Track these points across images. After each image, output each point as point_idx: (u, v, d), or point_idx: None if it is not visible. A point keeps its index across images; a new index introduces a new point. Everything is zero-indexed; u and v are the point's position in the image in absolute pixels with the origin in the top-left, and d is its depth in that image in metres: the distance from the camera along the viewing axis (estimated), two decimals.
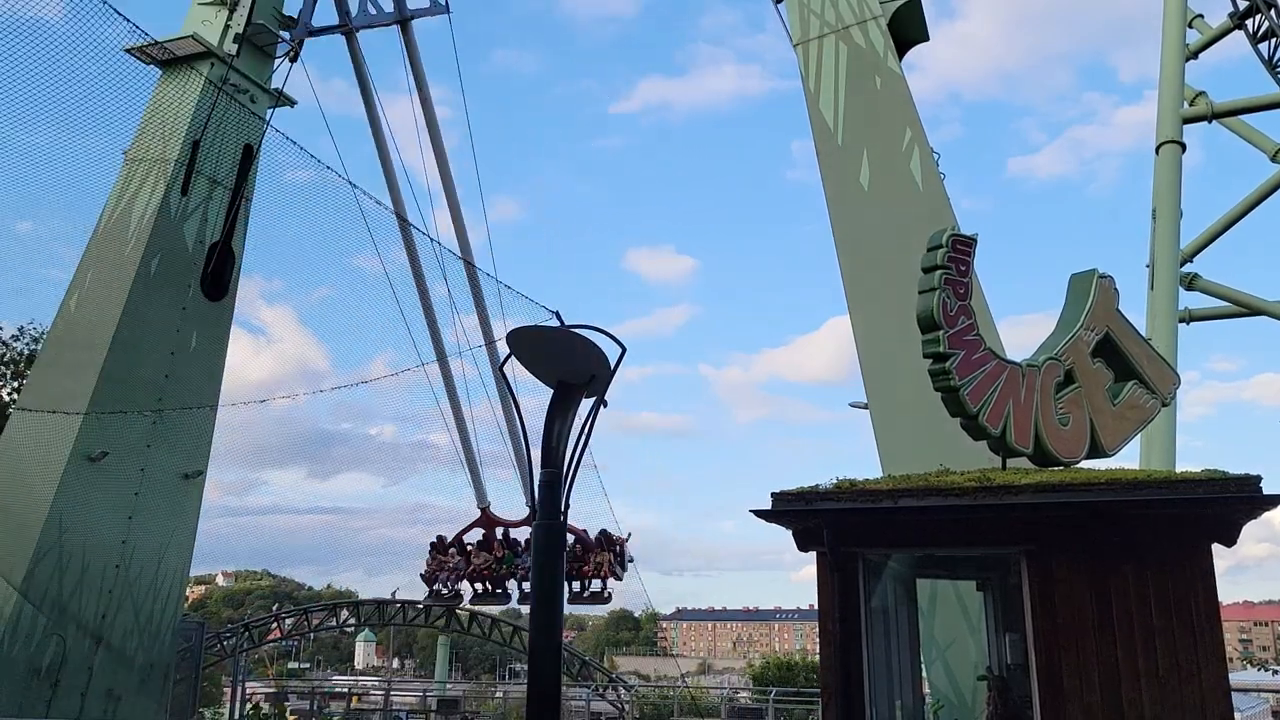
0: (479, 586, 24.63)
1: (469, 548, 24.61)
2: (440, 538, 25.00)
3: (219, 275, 21.28)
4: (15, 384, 26.83)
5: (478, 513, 25.13)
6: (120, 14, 12.15)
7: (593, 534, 23.31)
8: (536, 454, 7.99)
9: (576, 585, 22.99)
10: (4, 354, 27.95)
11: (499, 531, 24.75)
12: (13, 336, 27.92)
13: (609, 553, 23.10)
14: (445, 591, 24.84)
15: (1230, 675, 7.94)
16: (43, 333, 25.27)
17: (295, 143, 16.83)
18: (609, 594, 23.46)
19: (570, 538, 22.47)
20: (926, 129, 17.39)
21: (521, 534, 24.47)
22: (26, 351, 27.51)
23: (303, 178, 20.86)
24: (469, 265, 22.78)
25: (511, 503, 25.20)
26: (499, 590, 24.47)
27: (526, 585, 23.43)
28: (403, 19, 24.90)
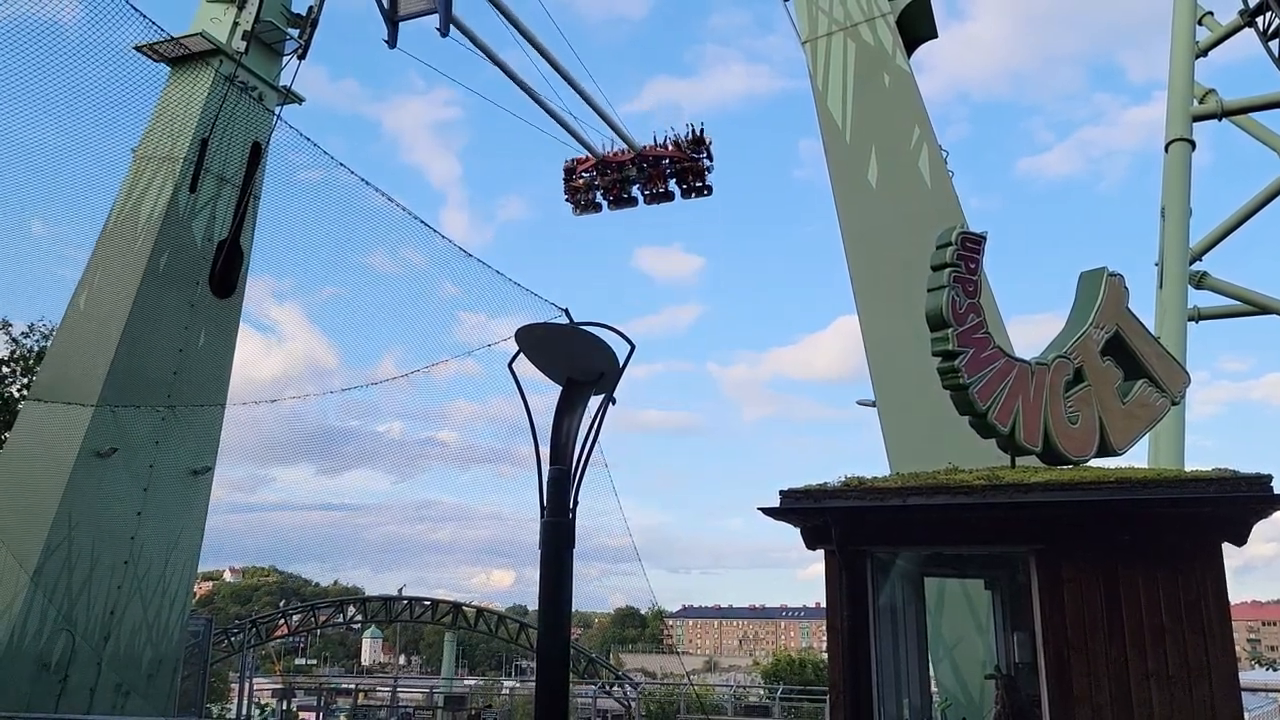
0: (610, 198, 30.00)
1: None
2: (568, 165, 29.98)
3: (227, 273, 21.33)
4: (25, 380, 26.95)
5: None
6: (137, 9, 12.17)
7: (601, 535, 23.54)
8: (545, 452, 7.99)
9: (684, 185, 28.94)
10: (14, 351, 28.08)
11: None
12: (23, 333, 28.07)
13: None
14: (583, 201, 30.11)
15: (1239, 675, 7.92)
16: (52, 329, 25.37)
17: (308, 138, 16.86)
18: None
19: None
20: (935, 129, 17.34)
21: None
22: (36, 348, 27.63)
23: (313, 175, 20.90)
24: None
25: (524, 500, 25.36)
26: (625, 196, 29.81)
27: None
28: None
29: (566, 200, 30.83)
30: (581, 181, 30.23)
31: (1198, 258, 24.26)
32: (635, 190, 29.94)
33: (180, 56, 20.75)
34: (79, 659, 18.27)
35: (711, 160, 28.93)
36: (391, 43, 21.15)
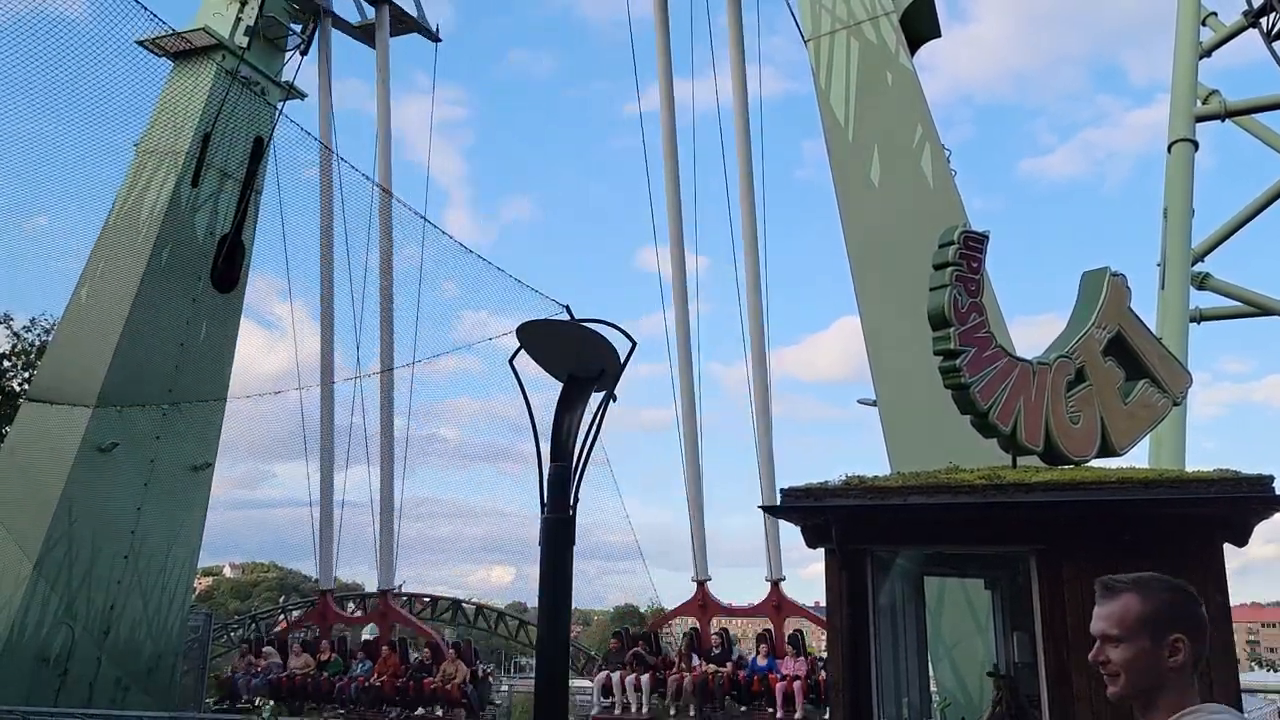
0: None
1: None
2: (624, 630, 21.16)
3: (229, 267, 21.34)
4: (26, 374, 26.98)
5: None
6: (142, 4, 12.19)
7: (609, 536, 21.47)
8: (546, 449, 7.98)
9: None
10: (16, 345, 28.11)
11: (716, 625, 20.13)
12: (24, 327, 28.10)
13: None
14: (627, 702, 18.00)
15: (1239, 676, 7.91)
16: (54, 324, 25.39)
17: (311, 134, 16.86)
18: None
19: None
20: (938, 130, 17.32)
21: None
22: (38, 342, 27.66)
23: (314, 171, 20.90)
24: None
25: (524, 497, 25.37)
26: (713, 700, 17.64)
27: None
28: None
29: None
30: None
31: (1200, 259, 24.22)
32: None
33: (183, 51, 20.74)
34: (79, 653, 18.29)
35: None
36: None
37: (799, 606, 19.69)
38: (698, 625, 20.01)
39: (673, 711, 17.71)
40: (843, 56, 17.89)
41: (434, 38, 25.52)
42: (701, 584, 20.74)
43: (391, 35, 24.40)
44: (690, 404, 21.41)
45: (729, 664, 17.89)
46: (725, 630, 19.89)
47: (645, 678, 17.89)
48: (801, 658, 17.56)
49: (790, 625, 19.12)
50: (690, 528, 20.90)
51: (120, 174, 20.67)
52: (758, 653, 18.15)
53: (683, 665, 18.03)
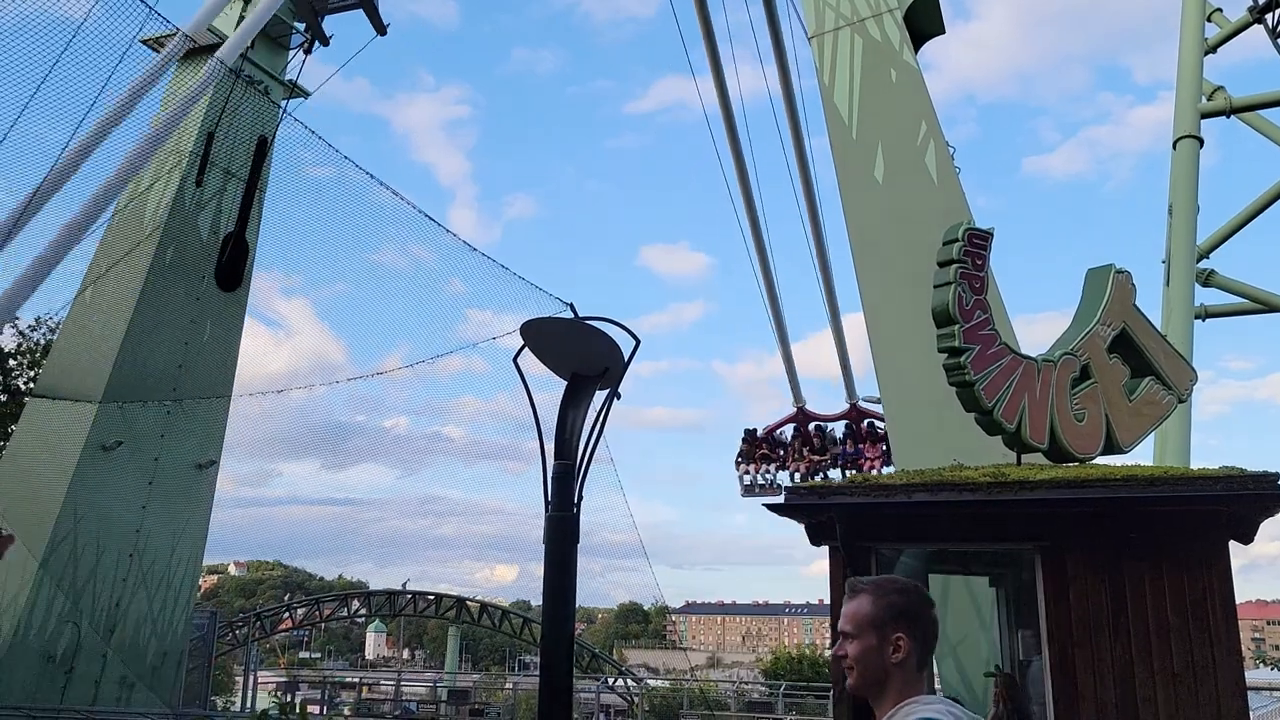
0: (796, 477, 25.38)
1: (782, 437, 26.50)
2: (751, 431, 26.61)
3: (233, 266, 21.35)
4: (31, 373, 27.02)
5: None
6: (145, 3, 12.17)
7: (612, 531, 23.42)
8: (550, 447, 7.98)
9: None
10: (20, 344, 28.15)
11: (812, 426, 26.35)
12: (29, 326, 28.14)
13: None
14: (762, 483, 26.00)
15: (1244, 674, 7.89)
16: (58, 323, 25.44)
17: (314, 132, 16.84)
18: None
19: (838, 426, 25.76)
20: (942, 128, 17.29)
21: (837, 426, 26.37)
22: (43, 341, 27.70)
23: (320, 170, 20.88)
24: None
25: (528, 496, 25.51)
26: (819, 475, 25.04)
27: (843, 473, 24.74)
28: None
29: (739, 468, 26.30)
30: (765, 447, 26.12)
31: (1205, 255, 24.17)
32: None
33: (187, 50, 20.74)
34: (84, 651, 18.33)
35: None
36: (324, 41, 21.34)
37: (873, 411, 24.54)
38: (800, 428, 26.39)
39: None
40: (846, 53, 17.86)
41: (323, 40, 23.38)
42: (799, 406, 26.99)
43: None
44: (762, 252, 25.76)
45: (828, 455, 24.87)
46: (822, 426, 25.93)
47: (772, 466, 25.56)
48: (880, 444, 23.19)
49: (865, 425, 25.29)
50: (782, 359, 27.22)
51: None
52: (845, 444, 24.89)
53: (795, 456, 25.30)
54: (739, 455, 26.30)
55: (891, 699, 2.47)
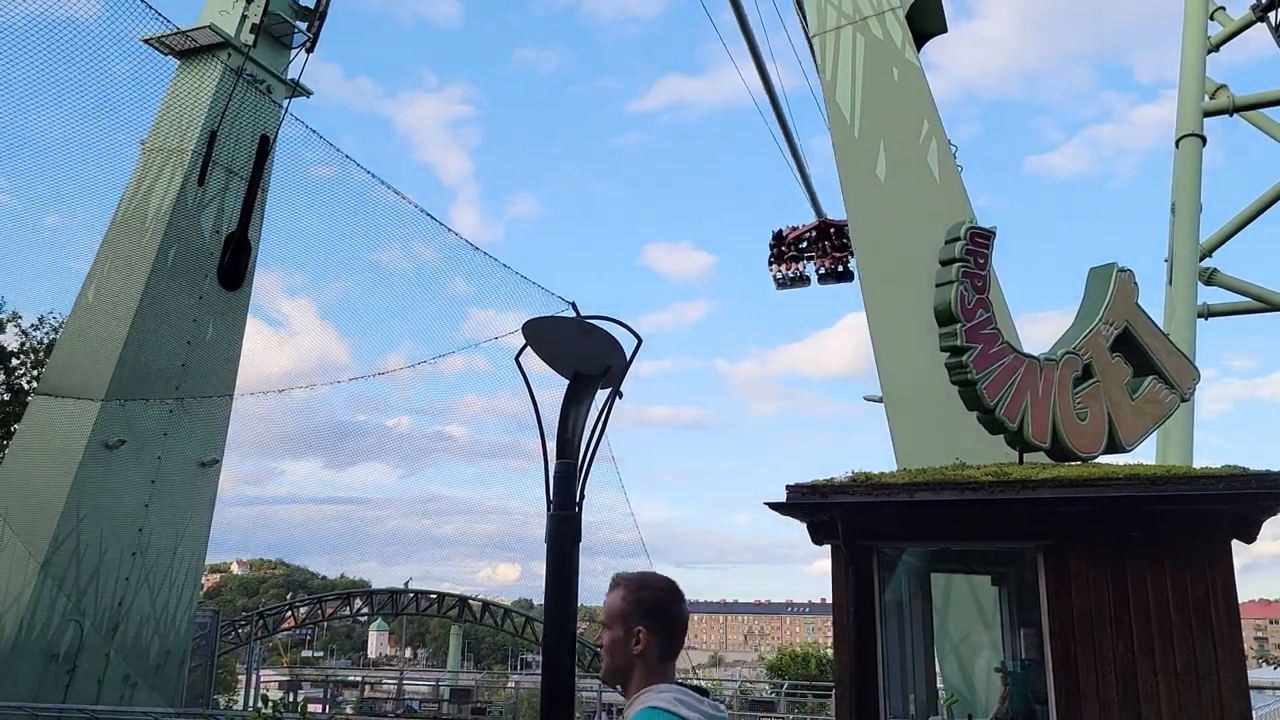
0: (821, 270, 29.98)
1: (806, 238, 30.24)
2: (778, 232, 30.40)
3: (235, 265, 21.37)
4: (35, 372, 27.07)
5: None
6: (148, 3, 12.20)
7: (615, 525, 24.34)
8: (551, 445, 7.97)
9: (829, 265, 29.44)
10: (24, 343, 28.19)
11: (833, 231, 29.79)
12: (32, 325, 28.19)
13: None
14: (793, 276, 30.34)
15: (1247, 673, 7.87)
16: (61, 322, 25.47)
17: (315, 131, 16.87)
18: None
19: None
20: (944, 127, 17.27)
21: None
22: (46, 340, 27.75)
23: (321, 171, 20.90)
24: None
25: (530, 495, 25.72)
26: (840, 269, 29.54)
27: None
28: None
29: (771, 267, 30.36)
30: (793, 249, 29.91)
31: (1208, 254, 24.12)
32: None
33: (189, 49, 20.78)
34: (87, 649, 18.36)
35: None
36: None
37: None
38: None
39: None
40: (849, 52, 17.85)
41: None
42: (822, 219, 30.39)
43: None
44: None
45: (847, 251, 28.06)
46: (843, 228, 27.65)
47: (799, 263, 30.08)
48: None
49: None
50: (801, 180, 29.70)
51: (126, 172, 20.73)
52: None
53: (819, 253, 29.76)
54: (770, 258, 30.44)
55: (634, 687, 2.66)
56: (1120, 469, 8.55)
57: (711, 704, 2.63)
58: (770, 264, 30.40)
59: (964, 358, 8.72)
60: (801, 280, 30.24)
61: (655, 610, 2.71)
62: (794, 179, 29.41)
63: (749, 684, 38.20)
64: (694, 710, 2.55)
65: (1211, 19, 24.95)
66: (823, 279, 29.86)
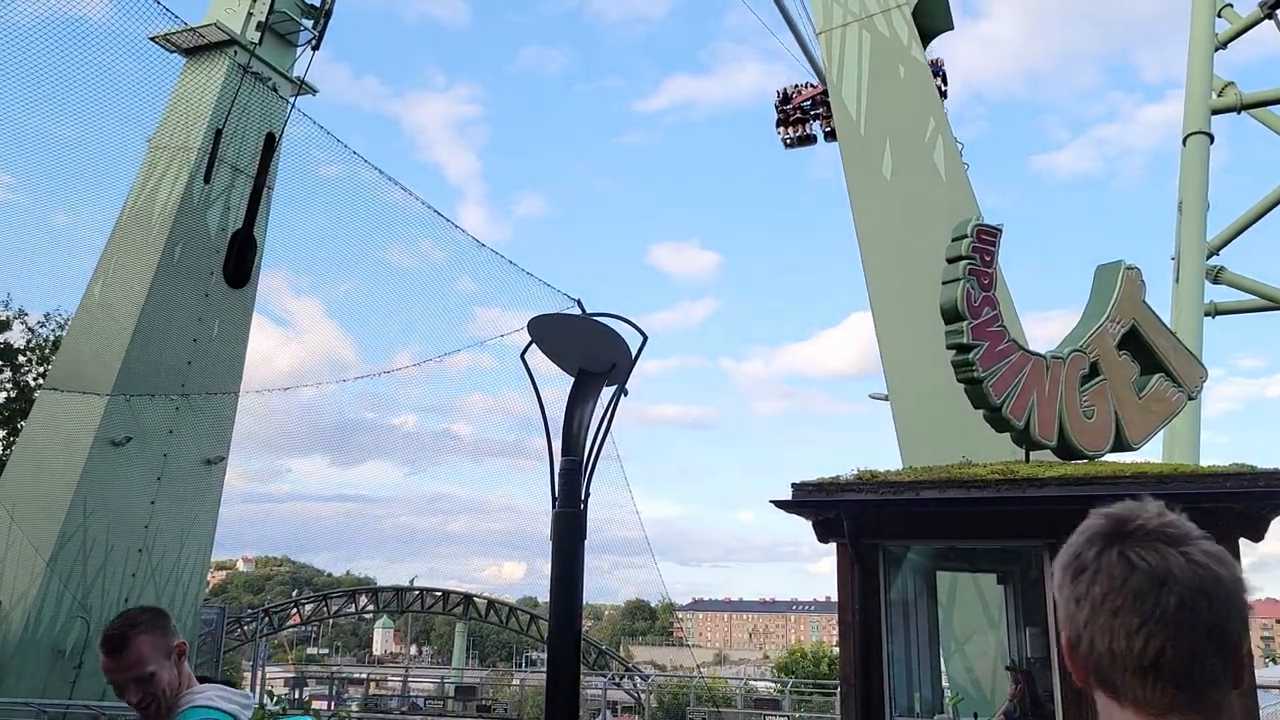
0: (827, 130, 28.68)
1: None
2: (782, 91, 30.27)
3: (241, 263, 21.37)
4: (41, 369, 27.14)
5: None
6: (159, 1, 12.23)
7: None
8: (557, 443, 7.96)
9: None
10: (31, 340, 28.27)
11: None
12: (39, 322, 28.25)
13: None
14: (800, 135, 30.33)
15: (1254, 672, 7.85)
16: (68, 319, 25.53)
17: (322, 127, 16.89)
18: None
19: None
20: (950, 125, 17.24)
21: None
22: (53, 337, 27.81)
23: (329, 168, 20.91)
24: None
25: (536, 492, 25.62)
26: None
27: None
28: None
29: (779, 129, 30.64)
30: (798, 111, 30.16)
31: (1215, 253, 24.02)
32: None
33: (195, 47, 20.81)
34: (93, 646, 18.40)
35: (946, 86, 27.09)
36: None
37: None
38: None
39: None
40: (855, 49, 17.82)
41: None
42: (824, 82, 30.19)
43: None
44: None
45: None
46: None
47: (804, 123, 29.91)
48: None
49: None
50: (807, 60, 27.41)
51: (133, 170, 20.77)
52: None
53: (825, 114, 27.42)
54: (777, 120, 30.55)
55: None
56: (1127, 467, 8.53)
57: (244, 696, 2.89)
58: (777, 126, 30.60)
59: (970, 355, 8.69)
60: (808, 140, 30.49)
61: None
62: (792, 55, 28.47)
63: (752, 681, 38.20)
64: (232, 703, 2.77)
65: (1219, 16, 24.85)
66: (829, 137, 29.24)
